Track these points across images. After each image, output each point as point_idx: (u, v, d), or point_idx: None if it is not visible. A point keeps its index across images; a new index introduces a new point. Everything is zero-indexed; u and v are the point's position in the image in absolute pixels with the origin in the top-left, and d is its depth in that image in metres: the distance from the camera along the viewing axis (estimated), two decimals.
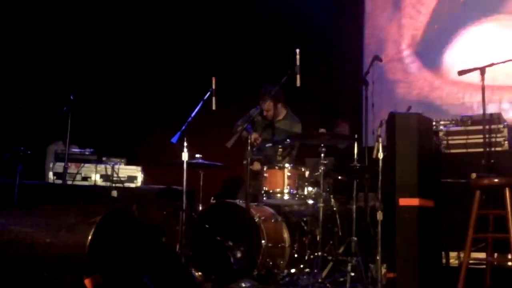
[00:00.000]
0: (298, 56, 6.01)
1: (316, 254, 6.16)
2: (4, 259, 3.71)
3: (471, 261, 5.39)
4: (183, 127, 6.14)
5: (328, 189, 6.55)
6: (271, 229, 6.29)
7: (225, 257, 6.13)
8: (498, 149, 6.12)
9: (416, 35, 8.95)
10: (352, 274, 5.94)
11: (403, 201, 5.80)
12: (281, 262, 6.29)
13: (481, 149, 6.01)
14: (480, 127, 6.10)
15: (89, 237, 3.58)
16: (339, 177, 6.68)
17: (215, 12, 9.40)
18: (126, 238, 3.90)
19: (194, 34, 9.43)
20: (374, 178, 5.97)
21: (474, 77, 6.06)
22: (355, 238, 6.11)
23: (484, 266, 5.64)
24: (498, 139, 6.14)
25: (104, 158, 7.32)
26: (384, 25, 9.20)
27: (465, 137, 6.33)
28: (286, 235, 6.42)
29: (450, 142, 6.40)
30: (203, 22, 9.45)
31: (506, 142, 6.15)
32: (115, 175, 7.17)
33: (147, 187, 7.43)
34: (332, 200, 6.58)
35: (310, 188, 6.51)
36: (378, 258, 5.77)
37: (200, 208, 6.69)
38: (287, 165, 6.55)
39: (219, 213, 6.41)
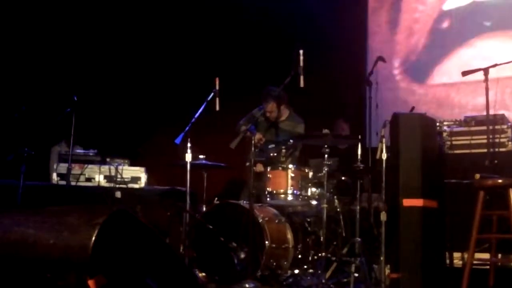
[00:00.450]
0: (301, 57, 6.01)
1: (319, 255, 6.16)
2: (7, 260, 3.71)
3: (474, 262, 5.39)
4: (187, 128, 6.15)
5: (331, 190, 6.54)
6: (275, 230, 6.29)
7: (228, 258, 6.13)
8: (502, 149, 6.12)
9: (421, 33, 8.93)
10: (356, 275, 5.93)
11: (407, 202, 5.80)
12: (285, 263, 6.29)
13: (485, 150, 6.00)
14: (484, 128, 6.10)
15: (93, 238, 3.58)
16: (343, 178, 6.68)
17: (218, 13, 9.40)
18: (130, 239, 3.90)
19: (198, 35, 9.43)
20: (378, 179, 5.97)
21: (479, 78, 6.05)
22: (358, 239, 6.10)
23: (488, 267, 5.63)
24: (502, 140, 6.14)
25: (107, 159, 7.32)
26: (387, 26, 9.19)
27: (468, 137, 6.32)
28: (289, 236, 6.42)
29: (454, 142, 6.39)
30: (206, 23, 9.46)
31: (510, 142, 6.14)
32: (118, 176, 7.17)
33: (151, 188, 7.43)
34: (336, 200, 6.57)
35: (313, 189, 6.51)
36: (381, 258, 5.76)
37: (204, 209, 6.69)
38: (290, 166, 6.54)
39: (222, 214, 6.42)
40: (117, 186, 7.15)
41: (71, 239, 3.61)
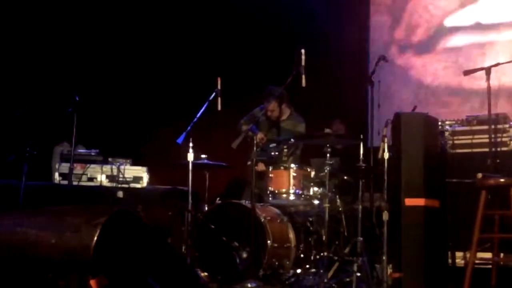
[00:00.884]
0: (303, 56, 6.01)
1: (321, 254, 6.16)
2: (9, 260, 3.71)
3: (477, 261, 5.38)
4: (189, 128, 6.15)
5: (333, 190, 6.54)
6: (277, 230, 6.29)
7: (230, 257, 6.13)
8: (504, 149, 6.11)
9: (422, 34, 8.93)
10: (358, 274, 5.92)
11: (409, 201, 5.79)
12: (287, 262, 6.28)
13: (487, 149, 5.99)
14: (486, 127, 6.09)
15: (94, 238, 3.58)
16: (345, 178, 6.67)
17: (220, 13, 9.40)
18: (132, 239, 3.90)
19: (199, 35, 9.43)
20: (380, 178, 5.96)
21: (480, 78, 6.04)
22: (360, 238, 6.09)
23: (490, 266, 5.62)
24: (504, 139, 6.13)
25: (109, 159, 7.33)
26: (389, 25, 9.19)
27: (470, 137, 6.32)
28: (291, 235, 6.42)
29: (456, 142, 6.39)
30: (208, 23, 9.46)
31: None
32: (120, 175, 7.17)
33: (153, 187, 7.43)
34: (338, 200, 6.56)
35: (315, 189, 6.50)
36: (384, 258, 5.76)
37: (206, 208, 6.70)
38: (292, 165, 6.53)
39: (224, 213, 6.42)
40: (119, 186, 7.15)
41: (73, 239, 3.61)
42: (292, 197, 6.50)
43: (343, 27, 8.92)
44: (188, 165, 6.16)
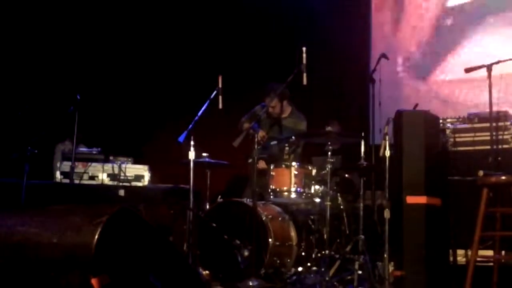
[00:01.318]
0: (304, 54, 6.01)
1: (323, 252, 6.16)
2: (11, 259, 3.72)
3: (478, 259, 5.37)
4: (190, 126, 6.14)
5: (335, 188, 6.54)
6: (278, 228, 6.29)
7: (232, 256, 6.14)
8: (505, 146, 6.10)
9: (424, 30, 8.92)
10: (360, 272, 5.93)
11: (411, 199, 5.79)
12: (288, 260, 6.30)
13: (488, 147, 5.99)
14: (487, 125, 6.08)
15: (96, 237, 3.58)
16: (346, 176, 6.68)
17: (221, 11, 9.40)
18: (133, 238, 3.90)
19: (201, 33, 9.43)
20: (381, 176, 5.96)
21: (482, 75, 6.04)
22: (362, 237, 6.09)
23: (491, 264, 5.62)
24: (505, 137, 6.12)
25: (111, 157, 7.33)
26: (391, 23, 9.18)
27: (472, 134, 6.31)
28: (293, 233, 6.43)
29: (457, 139, 6.38)
30: (209, 21, 9.46)
31: None
32: (122, 174, 7.18)
33: (154, 186, 7.43)
34: (339, 198, 6.57)
35: (317, 187, 6.50)
36: (385, 256, 5.76)
37: (207, 207, 6.70)
38: (294, 163, 6.52)
39: (226, 212, 6.42)
40: (121, 184, 7.16)
41: (74, 238, 3.62)
42: (293, 195, 6.49)
43: (344, 25, 8.92)
44: (190, 163, 6.16)
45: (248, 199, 6.44)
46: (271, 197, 6.55)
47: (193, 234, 6.26)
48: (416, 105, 6.65)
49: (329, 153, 6.26)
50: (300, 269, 6.32)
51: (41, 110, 7.87)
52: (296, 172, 6.48)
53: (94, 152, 7.42)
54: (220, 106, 6.22)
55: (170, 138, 6.49)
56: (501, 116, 6.17)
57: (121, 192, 7.08)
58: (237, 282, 5.88)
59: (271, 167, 6.57)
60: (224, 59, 8.88)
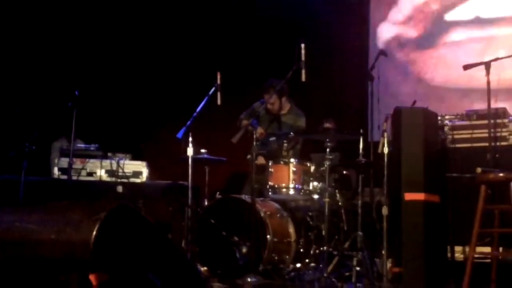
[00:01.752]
0: (303, 51, 6.00)
1: (321, 249, 6.17)
2: (9, 256, 3.71)
3: (476, 256, 5.38)
4: (189, 122, 6.14)
5: (333, 184, 6.55)
6: (277, 224, 6.30)
7: (231, 252, 6.14)
8: (504, 143, 6.11)
9: (422, 29, 8.92)
10: (358, 268, 5.94)
11: (409, 196, 5.80)
12: (287, 257, 6.30)
13: (487, 144, 5.99)
14: (486, 122, 6.08)
15: (94, 234, 3.58)
16: (345, 172, 6.68)
17: (220, 7, 9.39)
18: (132, 235, 3.90)
19: (199, 29, 9.42)
20: (380, 173, 5.97)
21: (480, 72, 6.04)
22: (360, 233, 6.10)
23: (489, 261, 5.63)
24: (503, 134, 6.13)
25: (109, 154, 7.32)
26: (390, 20, 9.18)
27: (470, 131, 6.32)
28: (291, 230, 6.43)
29: (456, 136, 6.38)
30: (208, 17, 9.45)
31: None
32: (120, 170, 7.17)
33: (153, 182, 7.43)
34: (338, 195, 6.57)
35: (315, 183, 6.50)
36: (383, 252, 5.77)
37: (206, 203, 6.70)
38: (292, 160, 6.53)
39: (224, 208, 6.43)
40: (119, 180, 7.15)
41: (73, 235, 3.62)
42: (292, 192, 6.50)
43: (343, 21, 8.91)
44: (188, 160, 6.16)
45: (246, 196, 6.44)
46: (270, 193, 6.55)
47: (191, 231, 6.26)
48: (414, 101, 6.65)
49: (327, 150, 6.26)
50: (298, 265, 6.33)
51: (39, 106, 7.86)
52: (294, 169, 6.49)
53: (92, 149, 7.41)
54: (219, 102, 6.21)
55: (169, 134, 6.49)
56: (499, 113, 6.18)
57: (119, 189, 7.07)
58: (236, 278, 5.89)
59: (270, 164, 6.58)
60: (223, 56, 8.88)
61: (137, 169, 7.30)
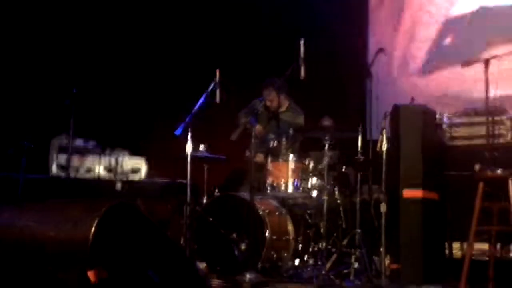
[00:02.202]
0: (302, 48, 6.00)
1: (320, 246, 6.18)
2: (9, 254, 3.73)
3: (474, 253, 5.40)
4: (187, 119, 6.14)
5: (332, 182, 6.55)
6: (275, 222, 6.30)
7: (229, 249, 6.15)
8: (501, 141, 6.12)
9: (421, 30, 8.92)
10: (356, 266, 5.95)
11: (407, 193, 5.82)
12: (285, 254, 6.31)
13: (485, 141, 6.00)
14: (484, 119, 6.10)
15: (92, 231, 3.60)
16: (343, 170, 6.68)
17: (219, 4, 9.39)
18: (131, 232, 3.91)
19: (198, 27, 9.42)
20: (378, 171, 5.97)
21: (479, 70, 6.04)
22: (359, 230, 6.11)
23: (487, 258, 5.64)
24: (501, 131, 6.14)
25: (107, 151, 7.31)
26: (389, 18, 9.18)
27: (468, 129, 6.33)
28: (290, 227, 6.43)
29: (454, 134, 6.40)
30: (207, 15, 9.44)
31: (510, 133, 6.14)
32: (119, 167, 7.16)
33: (152, 180, 7.42)
34: (336, 192, 6.58)
35: (314, 181, 6.51)
36: (382, 250, 5.78)
37: (205, 200, 6.70)
38: (291, 157, 6.53)
39: (223, 205, 6.43)
40: (117, 177, 7.14)
41: (72, 232, 3.63)
42: (290, 190, 6.51)
43: (343, 19, 8.90)
44: (187, 157, 6.16)
45: (245, 193, 6.45)
46: (268, 191, 6.56)
47: (190, 228, 6.27)
48: (413, 99, 6.65)
49: (326, 147, 6.27)
50: (297, 262, 6.34)
51: (37, 103, 7.86)
52: (293, 166, 6.50)
53: (91, 146, 7.40)
54: (218, 100, 6.21)
55: (168, 131, 6.48)
56: (497, 111, 6.19)
57: (118, 186, 7.07)
58: (234, 275, 5.89)
59: (269, 161, 6.58)
60: (222, 53, 8.87)
61: (135, 166, 7.29)
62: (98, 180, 7.14)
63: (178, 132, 6.11)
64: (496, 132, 6.08)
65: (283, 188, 6.51)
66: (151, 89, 9.37)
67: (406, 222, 5.80)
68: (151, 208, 6.77)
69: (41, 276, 3.67)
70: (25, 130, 6.93)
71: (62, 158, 7.10)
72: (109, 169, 7.20)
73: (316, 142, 6.70)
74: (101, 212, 3.65)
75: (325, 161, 6.26)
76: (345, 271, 6.06)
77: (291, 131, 6.78)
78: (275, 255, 6.20)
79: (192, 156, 6.17)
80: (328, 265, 6.03)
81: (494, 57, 5.91)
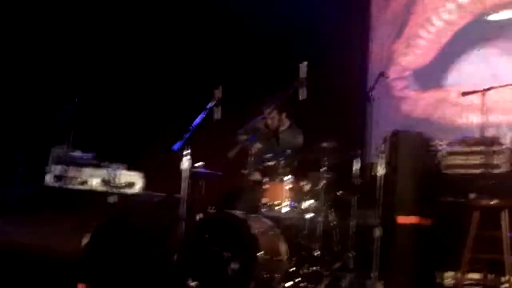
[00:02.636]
0: (301, 70, 6.02)
1: (313, 268, 6.15)
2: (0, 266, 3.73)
3: (467, 282, 5.39)
4: (186, 135, 6.14)
5: (327, 204, 6.54)
6: (268, 242, 6.26)
7: (221, 268, 6.12)
8: (497, 171, 6.12)
9: (421, 53, 8.94)
10: None
11: (402, 219, 5.81)
12: (277, 275, 6.27)
13: (480, 170, 6.01)
14: (480, 149, 6.11)
15: (85, 244, 3.60)
16: (338, 193, 6.67)
17: (220, 22, 9.42)
18: (123, 246, 3.92)
19: (199, 43, 9.45)
20: (374, 195, 5.96)
21: (476, 98, 6.08)
22: (352, 254, 6.10)
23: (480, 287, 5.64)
24: (497, 161, 6.14)
25: (105, 163, 7.30)
26: (389, 42, 9.20)
27: (465, 157, 6.33)
28: (283, 248, 6.39)
29: (450, 162, 6.40)
30: (208, 32, 9.48)
31: (505, 164, 6.14)
32: (114, 180, 7.14)
33: (147, 194, 7.38)
34: (331, 215, 6.57)
35: (309, 202, 6.50)
36: (372, 275, 5.76)
37: (199, 217, 6.68)
38: (287, 178, 6.52)
39: (217, 223, 6.40)
40: (113, 190, 7.11)
41: (64, 245, 3.64)
42: (286, 210, 6.49)
43: (343, 39, 8.92)
44: (183, 173, 6.15)
45: (239, 212, 6.43)
46: (263, 210, 6.54)
47: (183, 245, 6.24)
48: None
49: (322, 169, 6.27)
50: (288, 284, 6.31)
51: (38, 114, 7.86)
52: (289, 187, 6.49)
53: (88, 157, 7.39)
54: (219, 117, 6.22)
55: (167, 147, 6.48)
56: (494, 141, 6.21)
57: (112, 199, 7.03)
58: None
59: (265, 180, 6.57)
60: (222, 70, 8.89)
61: (131, 180, 7.26)
62: (92, 191, 7.11)
63: (175, 147, 6.11)
64: (492, 162, 6.09)
65: (278, 208, 6.50)
66: (152, 105, 9.39)
67: (399, 248, 5.80)
68: (144, 222, 6.74)
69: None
70: (24, 139, 6.93)
71: (58, 168, 7.08)
72: (104, 182, 7.17)
73: (314, 163, 6.70)
74: (94, 226, 3.66)
75: (322, 183, 6.26)
76: None
77: (288, 151, 6.79)
78: (266, 276, 6.17)
79: (188, 171, 6.17)
80: None
81: (489, 88, 5.95)
